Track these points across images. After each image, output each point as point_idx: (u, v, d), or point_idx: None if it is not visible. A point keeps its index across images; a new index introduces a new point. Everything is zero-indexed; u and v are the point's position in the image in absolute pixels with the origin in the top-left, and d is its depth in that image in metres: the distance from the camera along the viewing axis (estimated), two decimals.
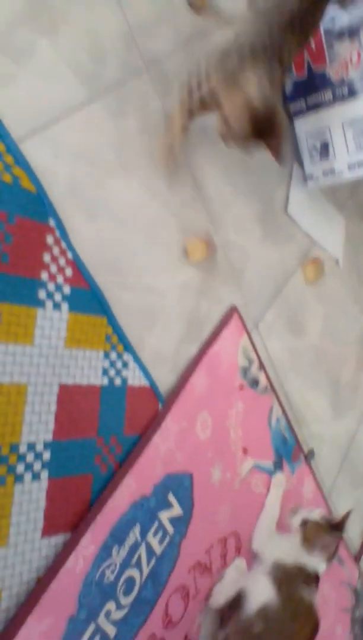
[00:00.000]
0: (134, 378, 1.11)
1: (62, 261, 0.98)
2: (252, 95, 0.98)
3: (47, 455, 0.94)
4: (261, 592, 1.18)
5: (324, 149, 1.57)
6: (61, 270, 0.97)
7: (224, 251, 1.38)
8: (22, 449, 0.90)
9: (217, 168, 1.38)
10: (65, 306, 0.98)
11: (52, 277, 0.96)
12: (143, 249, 1.16)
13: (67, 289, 0.98)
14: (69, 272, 0.99)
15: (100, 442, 1.03)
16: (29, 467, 0.91)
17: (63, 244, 0.98)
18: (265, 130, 1.01)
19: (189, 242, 1.26)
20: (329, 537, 1.26)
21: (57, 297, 0.97)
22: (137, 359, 1.11)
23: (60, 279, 0.97)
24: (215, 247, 1.32)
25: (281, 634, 1.13)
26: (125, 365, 1.09)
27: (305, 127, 1.59)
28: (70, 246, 0.99)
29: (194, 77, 1.06)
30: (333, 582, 1.71)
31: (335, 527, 1.30)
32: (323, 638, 1.62)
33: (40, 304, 0.94)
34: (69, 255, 0.99)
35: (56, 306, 0.96)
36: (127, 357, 1.10)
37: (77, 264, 1.00)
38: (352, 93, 1.44)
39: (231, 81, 1.00)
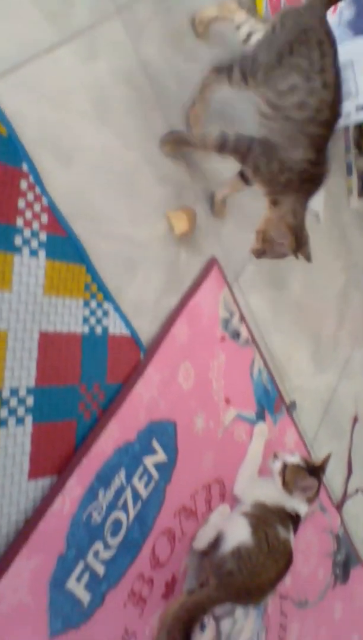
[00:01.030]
0: (115, 327, 1.12)
1: (37, 207, 0.97)
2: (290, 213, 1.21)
3: (30, 401, 0.95)
4: (237, 533, 1.21)
5: None
6: (36, 216, 0.97)
7: (202, 204, 1.37)
8: (5, 394, 0.91)
9: None
10: (42, 253, 0.98)
11: (28, 224, 0.95)
12: (120, 198, 1.15)
13: (43, 236, 0.98)
14: (45, 218, 0.98)
15: (83, 390, 1.04)
16: (12, 411, 0.92)
17: (37, 190, 0.97)
18: (300, 242, 1.22)
19: (172, 215, 1.25)
20: (309, 478, 1.30)
21: (34, 243, 0.96)
22: (117, 308, 1.12)
23: (36, 226, 0.97)
24: (196, 216, 1.31)
25: (253, 572, 1.17)
26: (105, 314, 1.10)
27: None
28: (45, 192, 0.98)
29: None
30: (316, 529, 1.77)
31: (316, 469, 1.34)
32: (306, 581, 1.69)
33: (17, 250, 0.93)
34: (44, 201, 0.98)
35: (33, 253, 0.96)
36: (107, 306, 1.10)
37: (52, 211, 1.00)
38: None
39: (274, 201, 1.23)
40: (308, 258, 1.28)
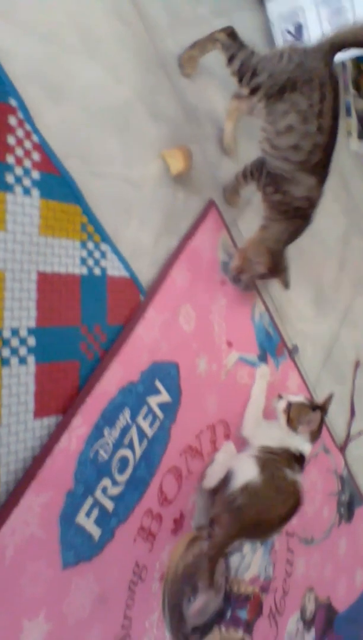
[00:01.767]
0: (114, 269, 1.11)
1: (28, 144, 0.95)
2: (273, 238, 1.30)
3: (32, 341, 0.95)
4: (245, 471, 1.24)
5: (298, 32, 1.50)
6: (27, 154, 0.95)
7: (199, 143, 1.34)
8: (6, 334, 0.91)
9: None
10: (35, 192, 0.96)
11: (19, 161, 0.93)
12: (113, 136, 1.12)
13: (36, 174, 0.96)
14: (36, 156, 0.96)
15: (84, 330, 1.04)
16: (14, 351, 0.92)
17: (27, 126, 0.95)
18: (277, 265, 1.31)
19: (167, 154, 1.22)
20: (312, 414, 1.31)
21: (27, 182, 0.94)
22: (115, 250, 1.11)
23: (27, 163, 0.95)
24: (191, 155, 1.28)
25: (262, 508, 1.20)
26: (103, 255, 1.09)
27: (277, 9, 1.51)
28: (35, 129, 0.96)
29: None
30: (320, 469, 1.80)
31: (319, 407, 1.35)
32: (312, 520, 1.73)
33: (9, 188, 0.92)
34: (35, 138, 0.96)
35: (26, 191, 0.94)
36: (104, 247, 1.09)
37: (44, 149, 0.97)
38: None
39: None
40: (286, 285, 1.40)
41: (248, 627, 1.46)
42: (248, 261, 1.32)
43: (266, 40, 1.61)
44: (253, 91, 1.16)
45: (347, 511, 1.96)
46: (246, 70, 1.15)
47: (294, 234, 1.32)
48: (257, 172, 1.27)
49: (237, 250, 1.35)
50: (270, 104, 1.15)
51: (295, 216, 1.27)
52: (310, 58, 1.12)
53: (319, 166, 1.17)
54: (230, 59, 1.17)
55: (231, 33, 1.20)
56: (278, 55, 1.15)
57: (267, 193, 1.27)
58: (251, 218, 1.54)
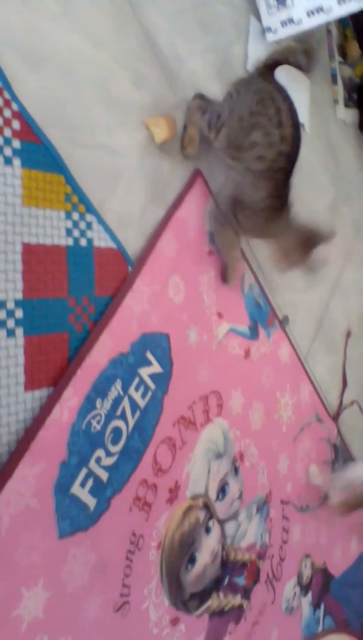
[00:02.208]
0: (100, 239, 1.09)
1: (7, 113, 0.93)
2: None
3: (19, 313, 0.94)
4: None
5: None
6: (7, 122, 0.93)
7: (183, 111, 1.32)
8: None
9: (167, 18, 1.29)
10: (17, 162, 0.94)
11: None
12: (94, 104, 1.10)
13: (17, 143, 0.94)
14: (16, 124, 0.94)
15: (72, 302, 1.03)
16: (2, 324, 0.91)
17: (6, 94, 0.92)
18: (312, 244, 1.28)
19: (151, 123, 1.20)
20: None
21: (7, 151, 0.93)
22: (101, 220, 1.09)
23: (8, 132, 0.93)
24: (176, 123, 1.26)
25: None
26: (89, 226, 1.07)
27: None
28: (14, 96, 0.94)
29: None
30: (314, 438, 1.82)
31: None
32: (306, 487, 1.76)
33: None
34: (14, 106, 0.94)
35: (7, 161, 0.93)
36: (90, 218, 1.07)
37: (24, 117, 0.95)
38: None
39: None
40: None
41: (246, 593, 1.48)
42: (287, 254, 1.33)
43: (251, 7, 1.58)
44: (219, 131, 1.21)
45: None
46: (213, 118, 1.22)
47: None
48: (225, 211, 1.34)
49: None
50: (231, 134, 1.20)
51: (267, 219, 1.27)
52: (254, 82, 1.18)
53: (282, 171, 1.20)
54: (201, 115, 1.25)
55: (200, 96, 1.28)
56: (228, 96, 1.22)
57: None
58: None
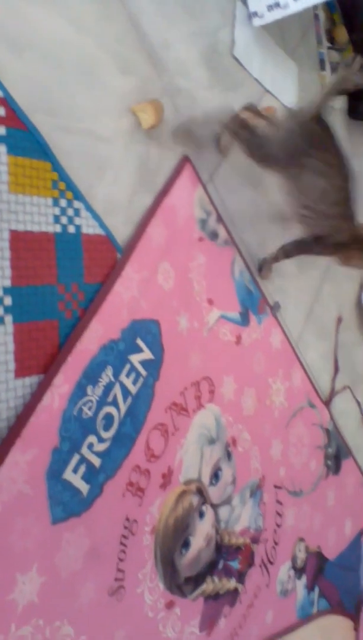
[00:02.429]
0: (88, 226, 1.09)
1: None
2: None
3: (8, 301, 0.94)
4: None
5: None
6: None
7: (169, 97, 1.31)
8: None
9: (152, 3, 1.28)
10: (3, 148, 0.94)
11: None
12: (80, 90, 1.09)
13: (2, 130, 0.94)
14: (1, 111, 0.94)
15: (61, 289, 1.03)
16: None
17: None
18: None
19: (138, 108, 1.19)
20: None
21: None
22: (89, 207, 1.09)
23: None
24: (163, 108, 1.26)
25: None
26: (77, 212, 1.07)
27: None
28: None
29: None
30: (306, 423, 1.83)
31: None
32: (299, 472, 1.77)
33: None
34: (0, 93, 0.93)
35: None
36: (78, 204, 1.07)
37: (9, 103, 0.95)
38: None
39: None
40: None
41: (241, 577, 1.50)
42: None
43: None
44: (261, 159, 1.31)
45: (334, 464, 2.01)
46: (254, 146, 1.30)
47: None
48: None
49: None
50: (282, 169, 1.28)
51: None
52: (304, 123, 1.23)
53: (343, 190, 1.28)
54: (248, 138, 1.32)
55: (249, 109, 1.37)
56: (276, 129, 1.28)
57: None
58: (228, 174, 1.52)
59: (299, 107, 1.31)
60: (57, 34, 1.05)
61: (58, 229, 1.03)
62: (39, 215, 1.00)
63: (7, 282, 0.94)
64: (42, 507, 0.96)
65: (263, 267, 1.62)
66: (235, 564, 1.48)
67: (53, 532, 0.98)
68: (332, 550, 1.98)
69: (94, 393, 1.06)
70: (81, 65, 1.10)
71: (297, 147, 1.23)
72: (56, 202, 1.03)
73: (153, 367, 1.21)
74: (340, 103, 2.20)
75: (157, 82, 1.28)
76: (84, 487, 1.04)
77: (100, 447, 1.07)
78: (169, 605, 1.25)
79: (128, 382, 1.14)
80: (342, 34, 2.11)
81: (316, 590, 1.87)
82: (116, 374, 1.11)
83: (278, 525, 1.67)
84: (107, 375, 1.09)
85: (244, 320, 1.55)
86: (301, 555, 1.79)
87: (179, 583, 1.29)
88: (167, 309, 1.27)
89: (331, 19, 2.15)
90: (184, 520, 1.30)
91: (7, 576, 0.90)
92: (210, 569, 1.38)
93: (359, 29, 2.16)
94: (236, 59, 1.55)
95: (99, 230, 1.11)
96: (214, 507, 1.40)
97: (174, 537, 1.27)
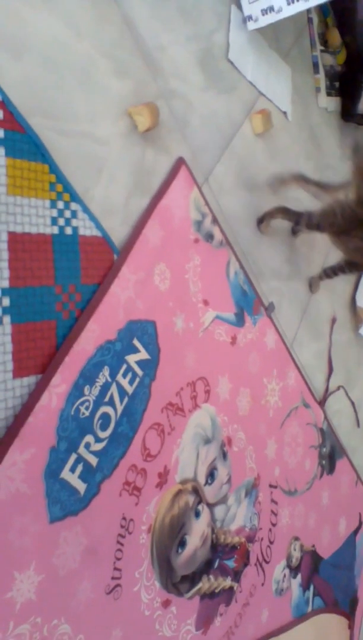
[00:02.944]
0: (85, 228, 1.10)
1: None
2: None
3: (6, 302, 0.95)
4: None
5: None
6: None
7: (165, 100, 1.33)
8: None
9: (148, 7, 1.30)
10: (1, 150, 0.95)
11: None
12: (77, 93, 1.10)
13: (0, 133, 0.95)
14: None
15: (59, 290, 1.04)
16: None
17: None
18: None
19: (134, 111, 1.20)
20: None
21: None
22: (86, 209, 1.10)
23: None
24: (159, 111, 1.27)
25: None
26: (74, 214, 1.08)
27: None
28: None
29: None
30: (301, 423, 1.85)
31: None
32: (294, 471, 1.79)
33: None
34: None
35: None
36: (75, 206, 1.08)
37: (7, 105, 0.96)
38: None
39: None
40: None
41: (236, 576, 1.51)
42: None
43: None
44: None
45: (328, 463, 2.02)
46: (311, 224, 1.61)
47: None
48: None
49: None
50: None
51: None
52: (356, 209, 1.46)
53: None
54: (297, 221, 1.68)
55: (282, 209, 1.68)
56: (330, 209, 1.53)
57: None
58: (223, 175, 1.54)
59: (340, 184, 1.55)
60: (55, 37, 1.06)
61: (55, 230, 1.04)
62: (37, 217, 1.01)
63: (5, 283, 0.95)
64: (40, 506, 0.97)
65: (312, 283, 1.97)
66: (231, 563, 1.49)
67: (51, 530, 0.98)
68: (327, 549, 2.00)
69: (91, 393, 1.07)
70: (78, 68, 1.11)
71: (350, 224, 1.50)
72: (53, 204, 1.04)
73: (150, 367, 1.23)
74: (332, 105, 2.22)
75: (152, 85, 1.30)
76: (81, 486, 1.05)
77: (97, 446, 1.08)
78: (166, 603, 1.26)
79: (125, 382, 1.15)
80: (335, 37, 2.14)
81: (311, 588, 1.88)
82: (113, 374, 1.12)
83: (273, 524, 1.68)
84: (104, 375, 1.10)
85: (239, 320, 1.56)
86: (296, 554, 1.81)
87: (175, 582, 1.30)
88: (163, 310, 1.28)
89: (324, 22, 2.17)
90: (180, 519, 1.31)
91: (5, 574, 0.91)
92: (206, 567, 1.40)
93: (352, 32, 2.19)
94: (231, 62, 1.56)
95: (96, 232, 1.12)
96: (210, 506, 1.41)
97: (171, 536, 1.28)
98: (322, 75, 2.12)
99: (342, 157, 2.24)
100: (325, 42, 2.16)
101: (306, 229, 1.67)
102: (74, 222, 1.08)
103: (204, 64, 1.46)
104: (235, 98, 1.59)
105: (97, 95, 1.15)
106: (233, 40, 1.56)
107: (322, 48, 2.15)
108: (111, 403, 1.12)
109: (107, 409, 1.11)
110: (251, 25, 1.57)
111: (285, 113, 1.84)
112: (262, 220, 1.71)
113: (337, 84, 2.23)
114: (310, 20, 2.06)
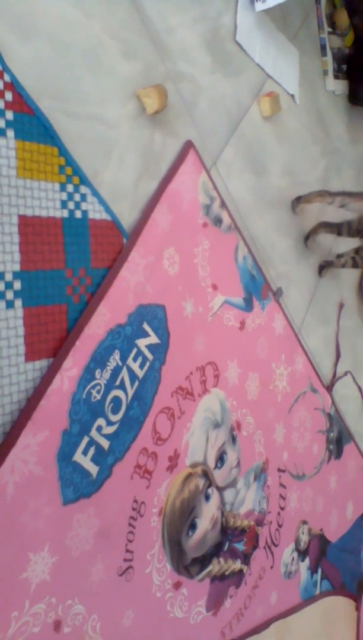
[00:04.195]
0: (95, 211, 1.10)
1: None
2: None
3: (18, 285, 0.95)
4: None
5: None
6: (0, 94, 0.92)
7: (173, 82, 1.31)
8: None
9: None
10: (10, 133, 0.94)
11: None
12: (85, 75, 1.09)
13: (10, 115, 0.94)
14: (9, 96, 0.94)
15: (69, 274, 1.04)
16: (1, 295, 0.92)
17: None
18: None
19: (143, 93, 1.19)
20: None
21: (1, 122, 0.92)
22: (95, 192, 1.10)
23: (0, 104, 0.93)
24: (167, 94, 1.25)
25: None
26: (83, 198, 1.08)
27: None
28: (6, 67, 0.93)
29: None
30: (308, 408, 1.85)
31: None
32: (302, 456, 1.79)
33: None
34: (6, 77, 0.94)
35: (1, 132, 0.93)
36: (84, 189, 1.08)
37: (16, 88, 0.95)
38: None
39: None
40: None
41: (246, 558, 1.52)
42: None
43: None
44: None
45: (336, 448, 2.03)
46: (351, 231, 1.79)
47: None
48: None
49: None
50: None
51: None
52: None
53: None
54: (339, 232, 1.84)
55: (324, 223, 1.86)
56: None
57: None
58: (231, 158, 1.52)
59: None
60: (63, 18, 1.05)
61: (65, 214, 1.04)
62: (46, 200, 1.00)
63: (17, 267, 0.95)
64: (53, 488, 0.98)
65: (324, 268, 2.00)
66: (240, 546, 1.50)
67: (64, 512, 0.99)
68: (334, 532, 2.01)
69: (102, 376, 1.07)
70: (87, 50, 1.10)
71: None
72: (63, 187, 1.04)
73: (159, 351, 1.23)
74: (340, 88, 2.20)
75: (160, 67, 1.28)
76: (93, 469, 1.05)
77: (108, 429, 1.09)
78: (177, 585, 1.27)
79: (135, 366, 1.15)
80: (343, 18, 2.11)
81: (319, 571, 1.89)
82: (124, 358, 1.13)
83: (282, 508, 1.69)
84: (115, 359, 1.11)
85: (247, 305, 1.56)
86: (304, 538, 1.82)
87: (186, 564, 1.31)
88: (173, 294, 1.28)
89: (332, 3, 2.14)
90: (190, 502, 1.31)
91: (20, 555, 0.92)
92: (216, 550, 1.41)
93: (360, 13, 2.16)
94: (239, 44, 1.54)
95: (105, 216, 1.12)
96: (220, 489, 1.42)
97: (181, 519, 1.29)
98: (329, 58, 2.09)
99: (349, 140, 2.22)
100: (332, 23, 2.13)
101: (348, 236, 1.82)
102: (84, 206, 1.08)
103: (211, 46, 1.45)
104: (243, 80, 1.57)
105: (106, 77, 1.14)
106: (241, 22, 1.54)
107: (330, 30, 2.12)
108: (122, 387, 1.12)
109: (119, 393, 1.11)
110: (259, 6, 1.55)
111: (292, 96, 1.82)
112: (308, 238, 1.86)
113: (344, 67, 2.21)
114: (317, 1, 2.03)
